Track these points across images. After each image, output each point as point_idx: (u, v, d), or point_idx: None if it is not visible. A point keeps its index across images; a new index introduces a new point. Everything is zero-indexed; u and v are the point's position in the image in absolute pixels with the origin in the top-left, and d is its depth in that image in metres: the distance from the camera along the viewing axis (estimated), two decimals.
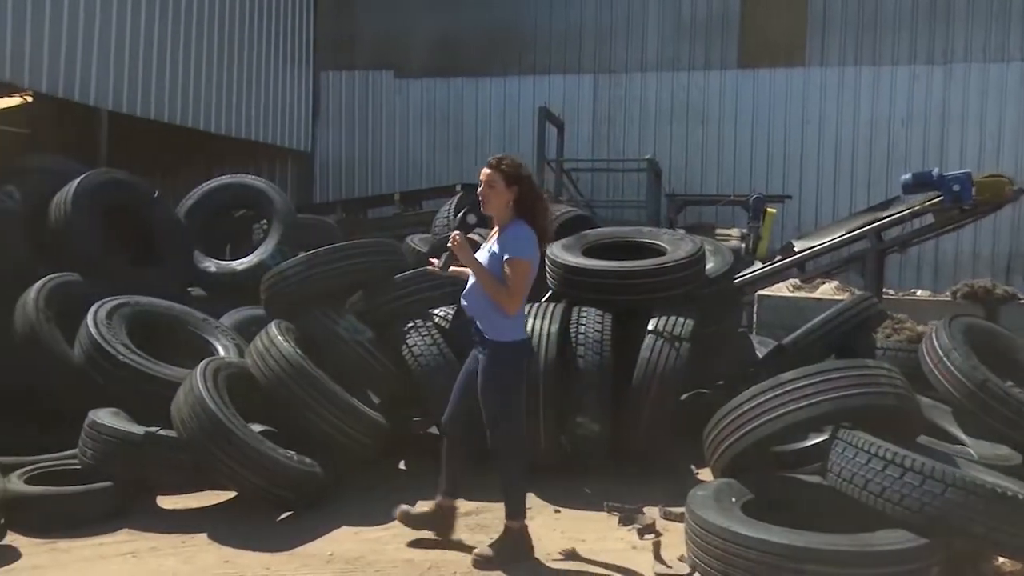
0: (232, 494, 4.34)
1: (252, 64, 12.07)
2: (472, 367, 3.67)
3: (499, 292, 3.45)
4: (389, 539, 3.93)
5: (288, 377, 4.37)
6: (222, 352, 5.14)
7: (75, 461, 4.33)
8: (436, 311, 5.15)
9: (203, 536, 3.91)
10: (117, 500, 4.14)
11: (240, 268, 6.61)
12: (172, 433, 4.13)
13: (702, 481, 4.49)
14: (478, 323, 3.57)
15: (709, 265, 5.60)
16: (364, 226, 11.20)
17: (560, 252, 5.33)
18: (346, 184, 13.83)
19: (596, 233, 5.83)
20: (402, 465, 5.10)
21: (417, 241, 6.79)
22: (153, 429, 4.14)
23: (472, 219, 3.61)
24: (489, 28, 13.54)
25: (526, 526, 3.73)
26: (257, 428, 4.25)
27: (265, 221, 7.09)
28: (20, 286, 5.06)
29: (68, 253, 5.57)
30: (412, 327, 4.88)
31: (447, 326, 5.07)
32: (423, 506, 3.91)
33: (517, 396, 3.66)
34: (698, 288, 5.30)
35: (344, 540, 3.90)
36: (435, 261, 3.79)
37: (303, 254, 5.09)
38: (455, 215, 3.47)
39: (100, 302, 4.95)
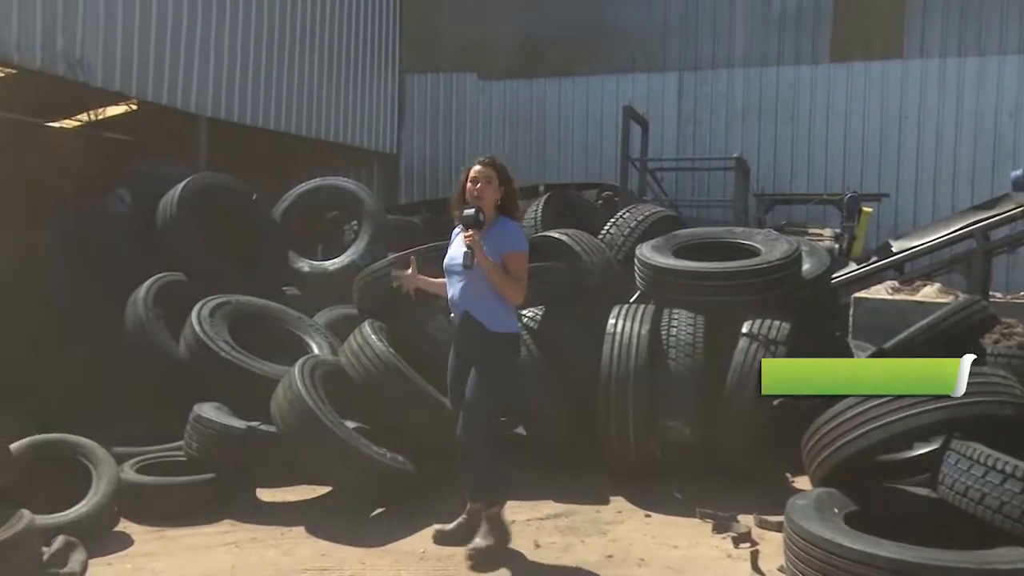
0: (327, 489, 4.47)
1: (340, 70, 12.36)
2: (461, 367, 3.67)
3: (510, 284, 3.57)
4: None
5: (381, 375, 4.45)
6: (316, 350, 5.28)
7: (180, 453, 4.54)
8: (525, 311, 5.15)
9: (301, 529, 4.03)
10: (219, 492, 4.31)
11: (332, 268, 6.78)
12: (271, 428, 4.27)
13: (798, 490, 4.36)
14: (477, 318, 3.59)
15: (805, 266, 5.42)
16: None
17: (650, 253, 5.26)
18: (430, 185, 14.00)
19: (686, 233, 5.72)
20: None
21: None
22: (254, 424, 4.29)
23: (483, 217, 3.55)
24: (572, 28, 13.48)
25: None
26: (351, 425, 4.35)
27: (356, 222, 7.24)
28: (131, 284, 5.32)
29: (174, 253, 5.81)
30: None
31: (536, 327, 5.07)
32: (457, 521, 3.85)
33: (511, 387, 3.76)
34: (794, 290, 5.13)
35: None
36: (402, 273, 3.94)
37: (394, 254, 5.17)
38: (473, 213, 3.38)
39: (203, 300, 5.15)
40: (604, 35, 13.37)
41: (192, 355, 4.86)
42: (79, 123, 16.39)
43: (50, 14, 7.52)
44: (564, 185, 9.92)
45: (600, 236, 5.89)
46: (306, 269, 6.81)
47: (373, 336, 4.58)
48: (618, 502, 4.47)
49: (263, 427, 4.29)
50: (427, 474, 4.41)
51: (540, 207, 6.76)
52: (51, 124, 16.70)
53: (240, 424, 4.30)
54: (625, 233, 5.86)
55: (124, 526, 4.02)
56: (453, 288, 3.68)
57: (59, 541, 3.40)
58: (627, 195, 10.22)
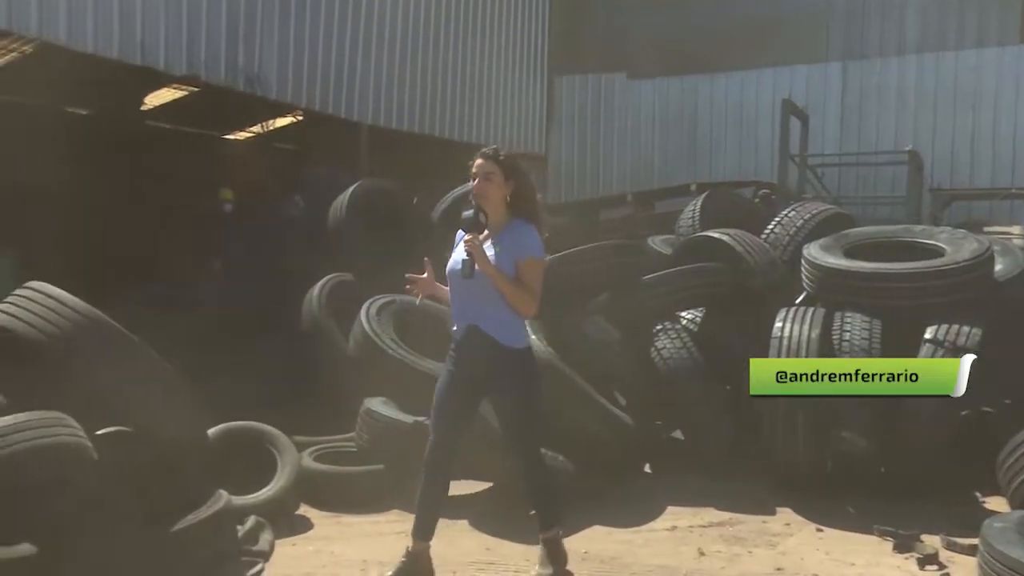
0: (489, 484, 4.55)
1: (492, 74, 12.62)
2: (459, 385, 3.22)
3: (521, 296, 3.11)
4: (642, 543, 3.91)
5: None
6: None
7: (351, 444, 4.78)
8: (684, 313, 5.05)
9: (464, 523, 4.13)
10: (388, 482, 4.51)
11: None
12: None
13: (991, 511, 4.01)
14: (488, 332, 3.13)
15: (998, 267, 4.97)
16: (597, 228, 11.29)
17: (818, 253, 5.00)
18: (578, 186, 14.04)
19: (858, 232, 5.39)
20: (647, 468, 5.06)
21: (659, 243, 6.71)
22: (420, 419, 4.44)
23: (483, 218, 3.11)
24: (724, 21, 13.10)
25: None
26: None
27: None
28: (306, 284, 5.67)
29: (342, 254, 6.14)
30: (661, 329, 4.82)
31: (696, 329, 4.95)
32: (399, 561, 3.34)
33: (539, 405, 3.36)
34: (984, 293, 4.72)
35: (598, 539, 3.93)
36: (417, 277, 3.33)
37: (551, 256, 5.20)
38: (472, 215, 3.07)
39: (371, 300, 5.40)
40: (759, 26, 12.89)
41: (360, 351, 5.10)
42: (251, 135, 17.69)
43: (232, 35, 8.16)
44: (717, 184, 9.64)
45: (763, 236, 5.67)
46: None
47: (532, 336, 4.62)
48: (785, 513, 4.28)
49: (428, 422, 4.42)
50: (585, 474, 4.39)
51: (698, 206, 6.59)
52: (227, 136, 18.11)
53: (407, 419, 4.47)
54: (791, 232, 5.61)
55: (304, 510, 4.28)
56: (457, 297, 3.24)
57: (250, 521, 3.68)
58: (785, 193, 9.79)
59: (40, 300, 3.31)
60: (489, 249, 3.11)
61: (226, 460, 4.16)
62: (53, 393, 3.21)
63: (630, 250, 5.25)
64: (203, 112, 14.43)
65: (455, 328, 3.25)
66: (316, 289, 5.56)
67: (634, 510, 4.29)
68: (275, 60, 8.77)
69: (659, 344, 4.79)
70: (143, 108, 12.27)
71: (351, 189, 6.34)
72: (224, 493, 3.45)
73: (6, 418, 2.90)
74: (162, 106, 13.88)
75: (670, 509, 4.35)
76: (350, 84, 9.96)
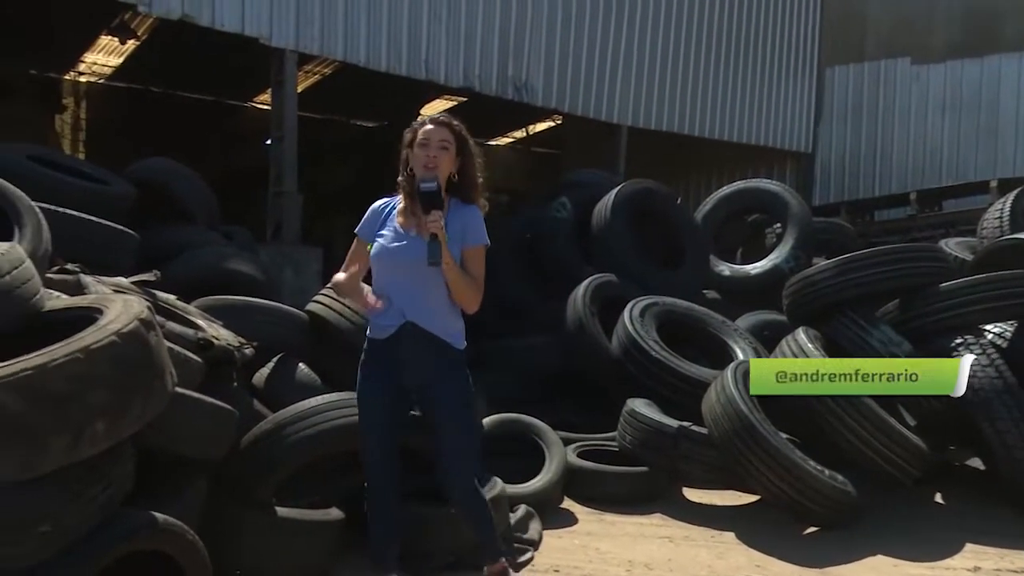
0: (756, 497, 4.35)
1: (756, 68, 12.09)
2: (390, 396, 2.73)
3: (468, 288, 2.64)
4: None
5: None
6: (740, 355, 5.20)
7: (613, 444, 4.81)
8: (990, 327, 4.45)
9: (731, 535, 3.98)
10: (651, 485, 4.47)
11: (754, 272, 6.64)
12: (703, 430, 4.29)
13: None
14: (434, 332, 2.66)
15: None
16: (872, 230, 10.39)
17: None
18: (850, 185, 12.99)
19: None
20: (938, 498, 4.54)
21: (953, 246, 5.98)
22: (686, 424, 4.36)
23: (442, 192, 2.60)
24: None
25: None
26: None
27: (778, 225, 6.99)
28: (571, 284, 5.80)
29: (607, 255, 6.21)
30: (961, 343, 4.28)
31: (1006, 345, 4.34)
32: None
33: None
34: None
35: (883, 570, 3.59)
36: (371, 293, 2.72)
37: (834, 259, 4.84)
38: (435, 188, 2.55)
39: (634, 301, 5.40)
40: None
41: (624, 352, 5.11)
42: (511, 140, 18.60)
43: (504, 49, 8.66)
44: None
45: None
46: (726, 273, 6.77)
47: (809, 344, 4.34)
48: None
49: (694, 428, 4.33)
50: (867, 498, 4.04)
51: (1008, 205, 5.77)
52: (490, 143, 19.19)
53: (672, 423, 4.40)
54: None
55: (567, 504, 4.38)
56: (388, 287, 2.69)
57: (521, 510, 3.83)
58: None
59: None
60: (439, 232, 2.57)
61: (495, 450, 4.39)
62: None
63: (926, 254, 4.73)
64: (469, 120, 15.43)
65: (377, 323, 2.72)
66: (580, 289, 5.66)
67: (924, 542, 3.86)
68: (541, 69, 9.15)
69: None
70: (419, 119, 13.39)
71: (616, 190, 6.39)
72: (498, 480, 3.63)
73: (324, 396, 3.27)
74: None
75: (969, 547, 3.85)
76: (611, 88, 10.10)
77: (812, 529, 4.04)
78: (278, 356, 3.91)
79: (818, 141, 13.32)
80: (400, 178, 2.72)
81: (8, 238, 3.10)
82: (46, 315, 2.64)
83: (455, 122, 2.72)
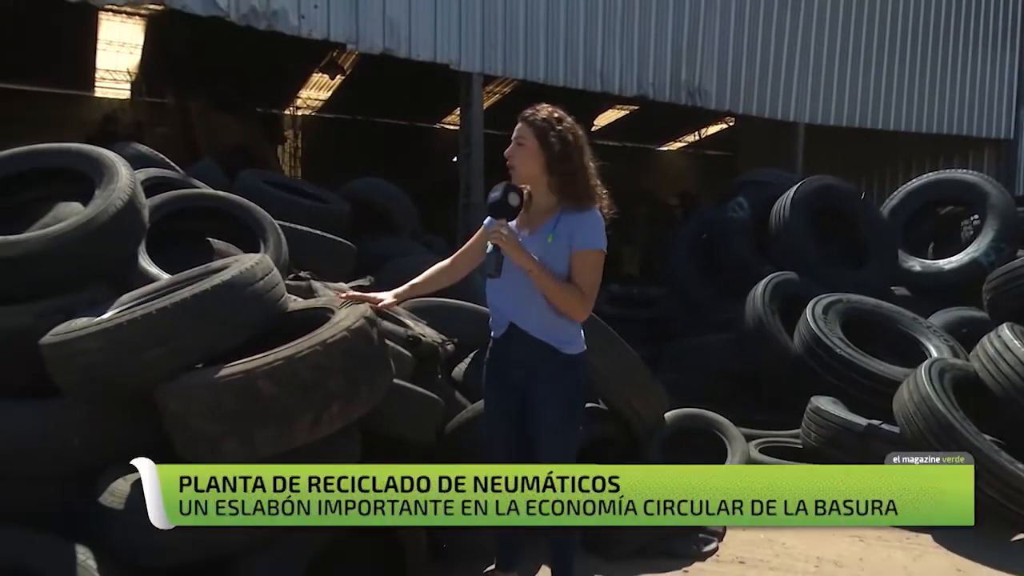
0: None
1: (947, 55, 11.29)
2: (512, 408, 2.59)
3: (569, 296, 2.46)
4: None
5: None
6: (935, 353, 4.98)
7: (796, 441, 4.77)
8: None
9: (927, 537, 3.85)
10: None
11: (948, 267, 6.28)
12: (893, 428, 4.18)
13: None
14: (537, 336, 2.52)
15: None
16: None
17: None
18: None
19: None
20: None
21: None
22: (876, 422, 4.26)
23: (516, 200, 2.48)
24: None
25: None
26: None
27: (976, 217, 6.56)
28: (750, 283, 5.79)
29: (786, 253, 6.13)
30: None
31: None
32: None
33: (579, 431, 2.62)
34: None
35: None
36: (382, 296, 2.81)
37: None
38: (499, 196, 2.45)
39: (816, 298, 5.32)
40: None
41: (807, 350, 5.06)
42: (683, 144, 18.46)
43: (676, 56, 8.74)
44: None
45: None
46: (917, 268, 6.46)
47: (1016, 341, 4.11)
48: None
49: (885, 427, 4.23)
50: None
51: None
52: (660, 148, 19.13)
53: (860, 421, 4.31)
54: None
55: None
56: (492, 298, 2.64)
57: None
58: None
59: None
60: (533, 242, 2.49)
61: (678, 443, 4.50)
62: None
63: None
64: (640, 126, 15.56)
65: (494, 321, 2.65)
66: (759, 288, 5.64)
67: None
68: (714, 72, 9.11)
69: None
70: (593, 129, 13.75)
71: (795, 187, 6.29)
72: None
73: None
74: (607, 125, 15.35)
75: None
76: (787, 85, 9.85)
77: (1021, 536, 3.82)
78: (474, 351, 4.25)
79: (1021, 126, 12.18)
80: None
81: (254, 251, 3.65)
82: (289, 315, 3.10)
83: (543, 112, 2.53)
